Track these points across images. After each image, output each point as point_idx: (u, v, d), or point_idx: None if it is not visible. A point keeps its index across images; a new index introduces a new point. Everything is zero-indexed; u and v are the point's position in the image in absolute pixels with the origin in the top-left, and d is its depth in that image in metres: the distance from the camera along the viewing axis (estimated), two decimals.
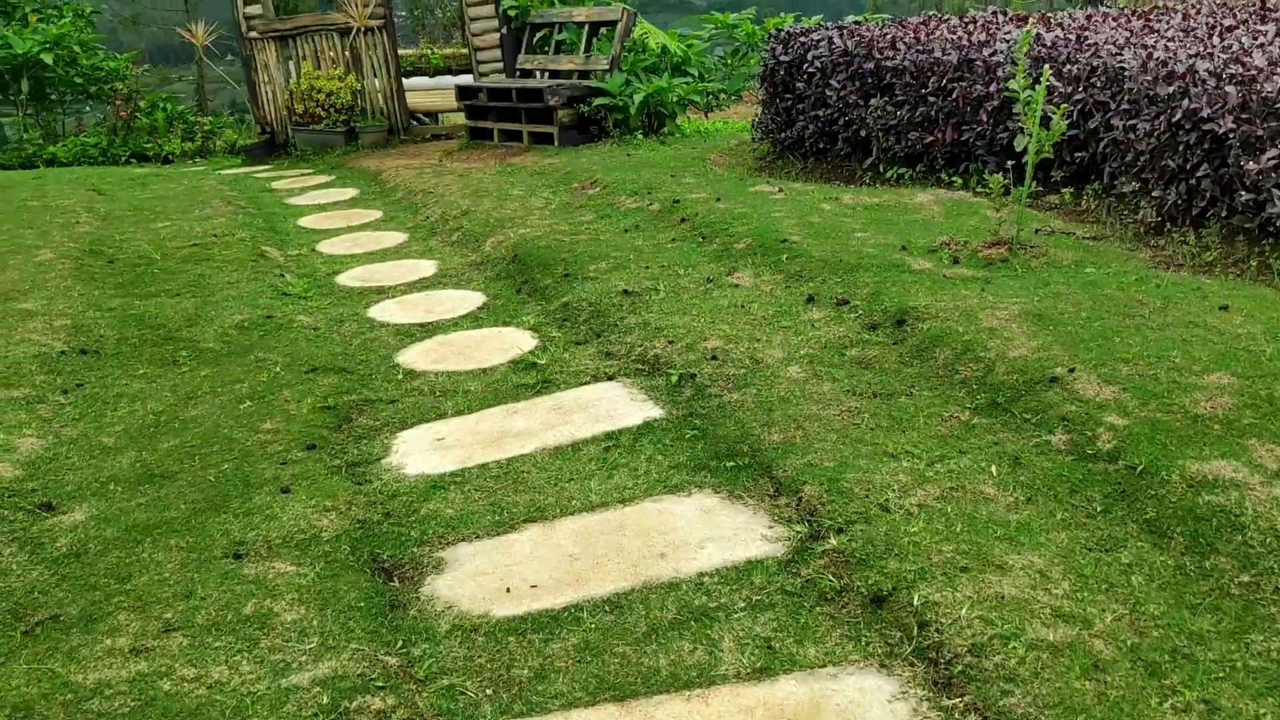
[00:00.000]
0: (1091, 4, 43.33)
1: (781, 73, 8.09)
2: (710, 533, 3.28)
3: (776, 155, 8.43)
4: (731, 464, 3.69)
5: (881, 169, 7.36)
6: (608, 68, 10.53)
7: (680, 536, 3.27)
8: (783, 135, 8.19)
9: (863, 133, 7.36)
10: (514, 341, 5.21)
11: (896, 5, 57.25)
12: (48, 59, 13.33)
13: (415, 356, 5.13)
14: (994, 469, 3.43)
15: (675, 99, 10.49)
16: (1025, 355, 4.06)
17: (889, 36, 7.30)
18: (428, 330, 5.56)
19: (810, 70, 7.68)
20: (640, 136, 10.16)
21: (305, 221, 8.59)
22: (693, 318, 4.99)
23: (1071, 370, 3.87)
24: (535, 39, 11.46)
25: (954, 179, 6.94)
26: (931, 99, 6.85)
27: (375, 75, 12.22)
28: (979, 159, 6.80)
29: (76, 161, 13.67)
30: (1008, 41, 6.61)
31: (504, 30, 11.59)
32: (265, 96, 12.59)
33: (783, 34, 8.33)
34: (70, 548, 3.36)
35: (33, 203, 9.15)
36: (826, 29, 8.10)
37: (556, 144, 10.31)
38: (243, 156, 12.64)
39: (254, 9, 12.26)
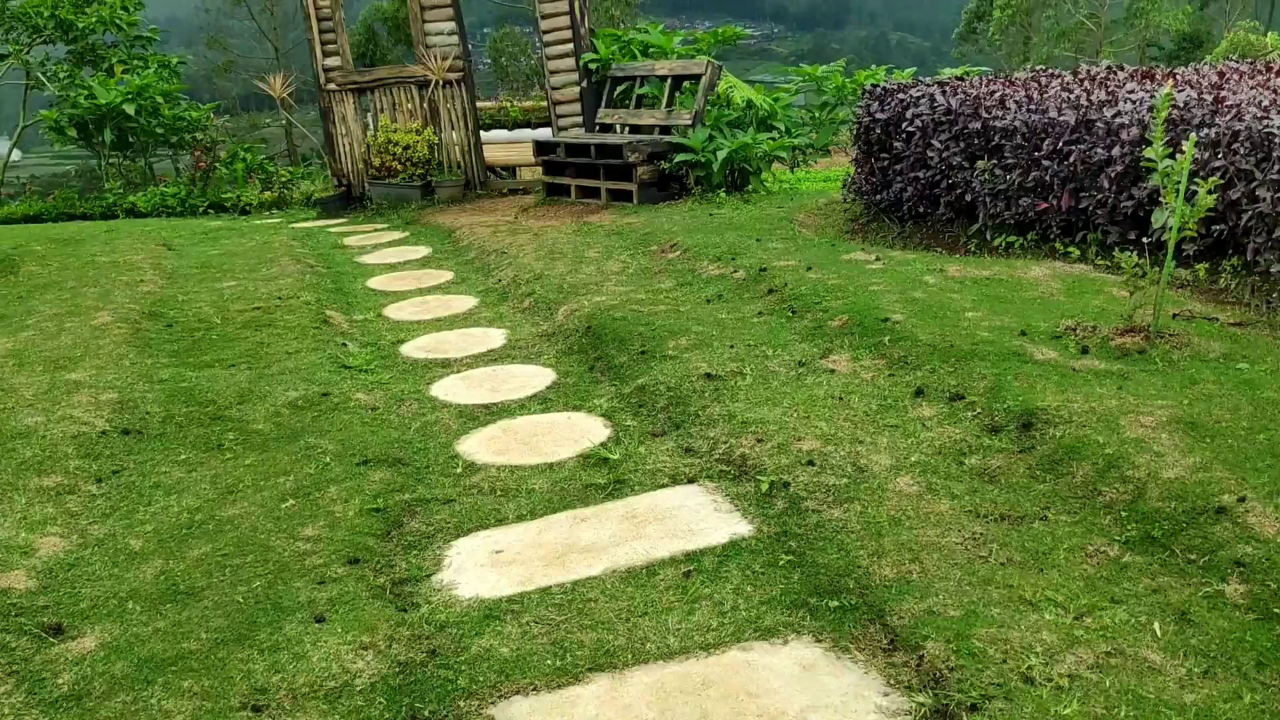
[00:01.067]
0: (1185, 57, 41.68)
1: (877, 131, 7.56)
2: (813, 698, 2.73)
3: (870, 218, 7.89)
4: (835, 603, 3.14)
5: (988, 236, 6.78)
6: (690, 123, 10.11)
7: (776, 702, 2.73)
8: (878, 197, 7.65)
9: (968, 197, 6.79)
10: (584, 430, 4.73)
11: (983, 55, 56.34)
12: (130, 109, 13.39)
13: (477, 446, 4.67)
14: (1157, 626, 2.83)
15: (760, 155, 10.03)
16: (1182, 476, 3.44)
17: (997, 95, 6.74)
18: (492, 413, 5.11)
19: (909, 129, 7.14)
20: (723, 194, 9.70)
21: (374, 283, 8.27)
22: (784, 410, 4.46)
23: (1242, 499, 3.25)
24: (616, 93, 11.11)
25: (1070, 249, 6.32)
26: (1045, 163, 6.27)
27: (453, 128, 11.99)
28: (1099, 228, 6.19)
29: (155, 211, 13.68)
30: (1132, 101, 6.01)
31: (584, 84, 11.26)
32: (342, 149, 12.43)
33: (878, 90, 7.81)
34: (73, 686, 2.93)
35: (101, 258, 8.99)
36: (925, 85, 7.57)
37: (635, 202, 9.90)
38: (318, 209, 12.48)
39: (333, 61, 12.13)
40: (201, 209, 13.77)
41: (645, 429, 4.68)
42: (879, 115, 7.53)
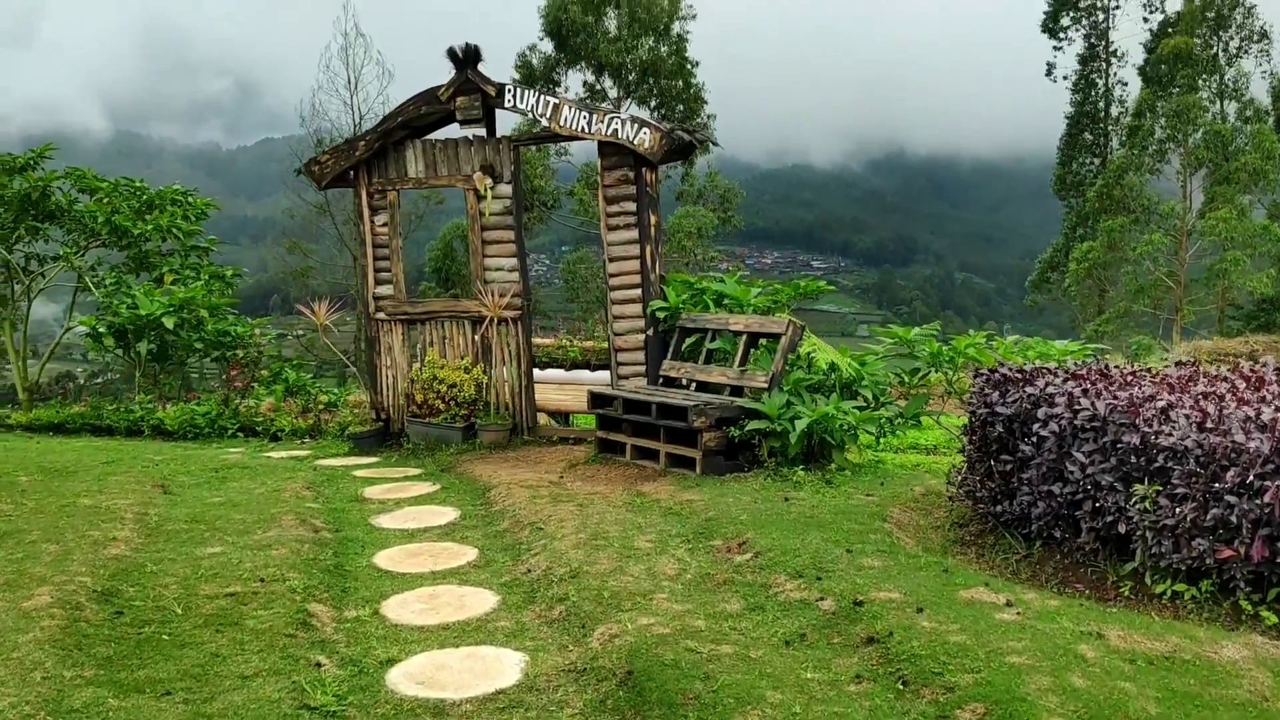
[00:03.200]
0: (1263, 318, 40.36)
1: (998, 429, 6.27)
2: None
3: (987, 529, 6.48)
4: None
5: (1147, 580, 5.32)
6: (766, 385, 8.93)
7: None
8: (998, 508, 6.28)
9: (1121, 527, 5.38)
10: None
11: (1056, 303, 55.32)
12: (169, 323, 12.69)
13: None
14: None
15: (843, 426, 8.77)
16: None
17: (1160, 403, 5.43)
18: None
19: (1042, 433, 5.84)
20: (801, 471, 8.38)
21: (383, 558, 6.97)
22: None
23: None
24: (684, 345, 10.05)
25: (1263, 612, 4.84)
26: (1230, 498, 4.88)
27: (504, 366, 10.98)
28: None
29: (181, 430, 12.76)
30: None
31: (649, 331, 10.24)
32: (385, 381, 11.46)
33: (997, 377, 6.57)
34: None
35: (84, 500, 7.86)
36: (1055, 375, 6.31)
37: (699, 472, 8.62)
38: (350, 444, 11.39)
39: (385, 289, 11.33)
40: (231, 431, 12.83)
41: None
42: (1000, 410, 6.25)
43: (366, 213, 11.24)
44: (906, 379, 10.43)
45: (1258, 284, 41.24)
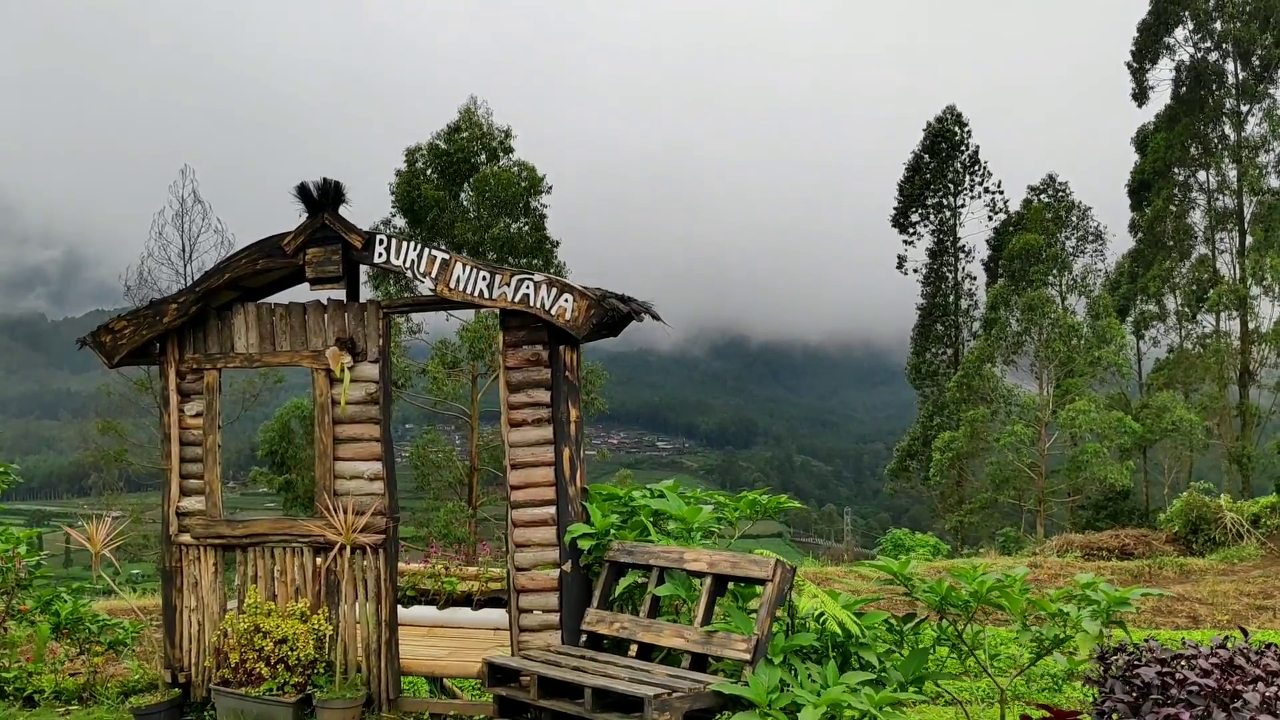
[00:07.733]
0: (1111, 508, 40.25)
1: None
2: None
3: None
4: None
5: None
6: (748, 655, 6.28)
7: None
8: None
9: None
10: None
11: (916, 491, 54.97)
12: None
13: None
14: None
15: (857, 716, 6.17)
16: None
17: None
18: None
19: None
20: None
21: None
22: None
23: None
24: (618, 588, 7.34)
25: None
26: None
27: (361, 603, 8.00)
28: None
29: None
30: None
31: (568, 565, 7.52)
32: (187, 630, 8.27)
33: (1190, 686, 4.12)
34: None
35: None
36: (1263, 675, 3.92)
37: None
38: None
39: (193, 502, 8.28)
40: None
41: None
42: None
43: (174, 399, 8.30)
44: (897, 625, 7.94)
45: (1117, 475, 41.29)
